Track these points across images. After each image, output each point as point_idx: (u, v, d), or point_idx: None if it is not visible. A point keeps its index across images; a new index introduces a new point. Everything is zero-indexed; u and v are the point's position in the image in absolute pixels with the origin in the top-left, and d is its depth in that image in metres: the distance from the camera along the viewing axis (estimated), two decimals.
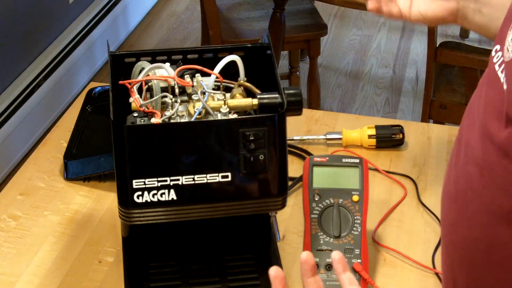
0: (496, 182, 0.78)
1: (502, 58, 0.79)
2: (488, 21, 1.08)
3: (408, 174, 1.33)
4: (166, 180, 0.95)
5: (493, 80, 0.80)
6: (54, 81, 2.93)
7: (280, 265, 1.10)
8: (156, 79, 1.02)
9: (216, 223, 1.12)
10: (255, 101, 1.01)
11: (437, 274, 1.15)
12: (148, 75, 1.03)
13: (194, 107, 1.00)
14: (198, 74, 1.04)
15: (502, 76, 0.78)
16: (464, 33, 3.54)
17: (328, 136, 1.40)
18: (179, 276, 1.10)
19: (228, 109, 1.00)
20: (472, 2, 1.09)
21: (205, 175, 0.95)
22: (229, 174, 0.96)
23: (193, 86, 1.03)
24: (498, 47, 0.82)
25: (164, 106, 1.01)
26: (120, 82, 1.02)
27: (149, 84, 1.02)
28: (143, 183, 0.94)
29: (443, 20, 1.12)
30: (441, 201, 0.90)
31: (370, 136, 1.38)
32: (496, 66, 0.80)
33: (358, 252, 1.11)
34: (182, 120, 1.00)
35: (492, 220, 0.79)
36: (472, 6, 1.09)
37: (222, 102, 1.00)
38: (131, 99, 1.00)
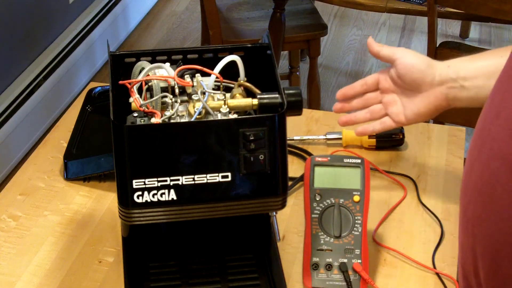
0: None
1: None
2: (475, 93, 1.11)
3: (408, 174, 1.33)
4: (166, 180, 0.95)
5: None
6: (54, 81, 2.93)
7: (280, 265, 1.10)
8: (156, 79, 1.02)
9: (216, 223, 1.12)
10: (255, 101, 1.01)
11: (437, 274, 1.15)
12: (148, 75, 1.03)
13: (194, 107, 1.00)
14: (198, 74, 1.04)
15: None
16: (464, 33, 3.54)
17: (328, 136, 1.40)
18: (179, 276, 1.10)
19: (228, 109, 1.00)
20: (451, 82, 1.11)
21: (205, 175, 0.95)
22: (229, 174, 0.96)
23: (193, 86, 1.03)
24: None
25: (164, 106, 1.01)
26: (120, 82, 1.02)
27: (149, 84, 1.02)
28: (143, 183, 0.94)
29: (437, 110, 1.14)
30: (462, 192, 0.91)
31: (370, 136, 1.38)
32: None
33: (358, 252, 1.11)
34: (182, 120, 1.00)
35: None
36: (455, 85, 1.11)
37: (222, 102, 1.00)
38: (131, 99, 1.00)
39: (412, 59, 1.14)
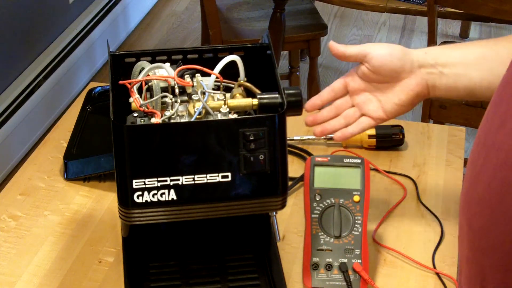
0: None
1: None
2: (454, 80, 1.09)
3: (408, 174, 1.33)
4: (166, 180, 0.95)
5: None
6: (54, 81, 2.93)
7: (280, 265, 1.10)
8: (156, 79, 1.02)
9: (216, 223, 1.12)
10: (255, 101, 1.01)
11: (437, 274, 1.15)
12: (148, 75, 1.03)
13: (194, 107, 1.00)
14: (198, 74, 1.04)
15: None
16: (464, 33, 3.54)
17: (328, 136, 1.40)
18: (179, 276, 1.10)
19: (228, 109, 1.00)
20: (430, 67, 1.09)
21: (205, 175, 0.95)
22: (229, 174, 0.96)
23: (193, 86, 1.03)
24: None
25: (164, 106, 1.01)
26: (120, 82, 1.02)
27: (149, 84, 1.02)
28: (143, 183, 0.94)
29: (418, 97, 1.11)
30: (466, 205, 0.88)
31: (370, 136, 1.38)
32: None
33: (358, 252, 1.11)
34: (182, 120, 1.00)
35: None
36: (434, 71, 1.09)
37: (222, 102, 1.00)
38: (131, 99, 1.00)
39: (386, 49, 1.10)
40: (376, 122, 1.13)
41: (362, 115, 1.13)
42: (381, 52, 1.10)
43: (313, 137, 1.41)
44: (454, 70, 1.08)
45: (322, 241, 1.12)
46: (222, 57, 1.03)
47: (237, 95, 1.03)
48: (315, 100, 1.15)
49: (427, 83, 1.10)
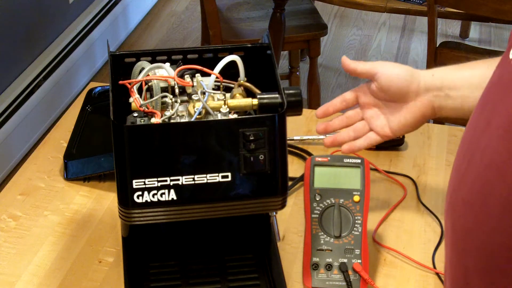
0: None
1: None
2: (461, 102, 1.10)
3: (408, 174, 1.33)
4: (166, 180, 0.95)
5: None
6: (54, 81, 2.93)
7: (280, 265, 1.10)
8: (156, 79, 1.02)
9: (216, 223, 1.12)
10: (255, 101, 1.01)
11: (437, 274, 1.15)
12: (148, 75, 1.03)
13: (194, 107, 1.00)
14: (198, 74, 1.04)
15: None
16: (464, 33, 3.54)
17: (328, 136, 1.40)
18: (179, 276, 1.10)
19: (228, 109, 1.00)
20: (437, 90, 1.10)
21: (205, 175, 0.95)
22: (229, 174, 0.96)
23: (193, 86, 1.03)
24: None
25: (164, 106, 1.01)
26: (120, 82, 1.02)
27: (149, 84, 1.02)
28: (143, 183, 0.94)
29: (423, 118, 1.13)
30: (450, 208, 0.88)
31: None
32: None
33: (358, 252, 1.11)
34: (182, 120, 1.00)
35: None
36: (440, 93, 1.10)
37: (222, 102, 1.00)
38: (131, 99, 1.00)
39: (394, 69, 1.12)
40: (382, 138, 1.15)
41: (371, 129, 1.15)
42: (389, 72, 1.12)
43: (313, 137, 1.41)
44: (460, 92, 1.09)
45: (322, 241, 1.12)
46: (222, 57, 1.03)
47: (237, 95, 1.03)
48: (327, 107, 1.16)
49: (433, 105, 1.11)
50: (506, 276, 0.79)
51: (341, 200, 1.14)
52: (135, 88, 1.01)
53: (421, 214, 1.26)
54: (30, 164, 1.36)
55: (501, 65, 0.82)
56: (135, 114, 1.01)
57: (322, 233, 1.13)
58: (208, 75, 1.03)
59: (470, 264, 0.84)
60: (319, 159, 1.17)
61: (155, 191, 0.95)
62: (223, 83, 1.03)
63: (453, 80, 1.10)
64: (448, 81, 1.10)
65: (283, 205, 1.00)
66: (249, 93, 1.04)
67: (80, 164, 1.33)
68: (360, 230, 1.12)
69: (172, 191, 0.95)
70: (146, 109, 0.99)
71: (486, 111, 0.83)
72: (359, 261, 1.11)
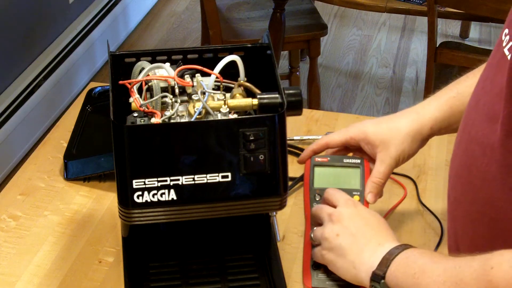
0: (497, 160, 0.81)
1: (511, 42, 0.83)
2: (447, 130, 1.13)
3: (408, 174, 1.33)
4: (166, 180, 0.95)
5: (502, 62, 0.83)
6: (54, 81, 2.94)
7: (280, 265, 1.10)
8: (156, 79, 1.02)
9: (216, 223, 1.12)
10: (255, 101, 1.01)
11: None
12: (148, 75, 1.03)
13: (194, 107, 1.00)
14: (198, 74, 1.04)
15: (509, 55, 0.82)
16: (464, 33, 3.54)
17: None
18: (179, 276, 1.10)
19: (228, 109, 1.00)
20: (438, 132, 1.13)
21: (205, 175, 0.95)
22: (229, 174, 0.96)
23: (193, 86, 1.03)
24: (507, 31, 0.86)
25: (164, 106, 1.01)
26: (120, 82, 1.02)
27: (149, 84, 1.02)
28: (143, 183, 0.94)
29: (423, 143, 1.15)
30: (448, 178, 0.94)
31: None
32: (506, 50, 0.83)
33: None
34: (182, 120, 1.00)
35: (495, 196, 0.82)
36: (446, 130, 1.14)
37: (222, 102, 1.00)
38: (131, 99, 1.00)
39: (374, 135, 1.14)
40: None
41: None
42: (371, 139, 1.14)
43: (313, 137, 1.41)
44: (448, 130, 1.13)
45: None
46: (222, 57, 1.03)
47: (237, 95, 1.03)
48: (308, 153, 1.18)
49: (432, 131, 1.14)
50: (488, 242, 0.85)
51: None
52: (135, 88, 1.01)
53: (421, 214, 1.26)
54: (30, 164, 1.36)
55: (497, 45, 0.87)
56: (135, 114, 1.01)
57: None
58: (208, 75, 1.03)
59: (459, 231, 0.91)
60: (319, 159, 1.17)
61: (155, 191, 0.95)
62: (223, 83, 1.03)
63: (439, 124, 1.12)
64: (435, 128, 1.13)
65: (283, 205, 1.00)
66: (249, 93, 1.04)
67: (80, 164, 1.33)
68: None
69: (172, 191, 0.95)
70: (146, 109, 0.99)
71: (476, 90, 0.89)
72: None
